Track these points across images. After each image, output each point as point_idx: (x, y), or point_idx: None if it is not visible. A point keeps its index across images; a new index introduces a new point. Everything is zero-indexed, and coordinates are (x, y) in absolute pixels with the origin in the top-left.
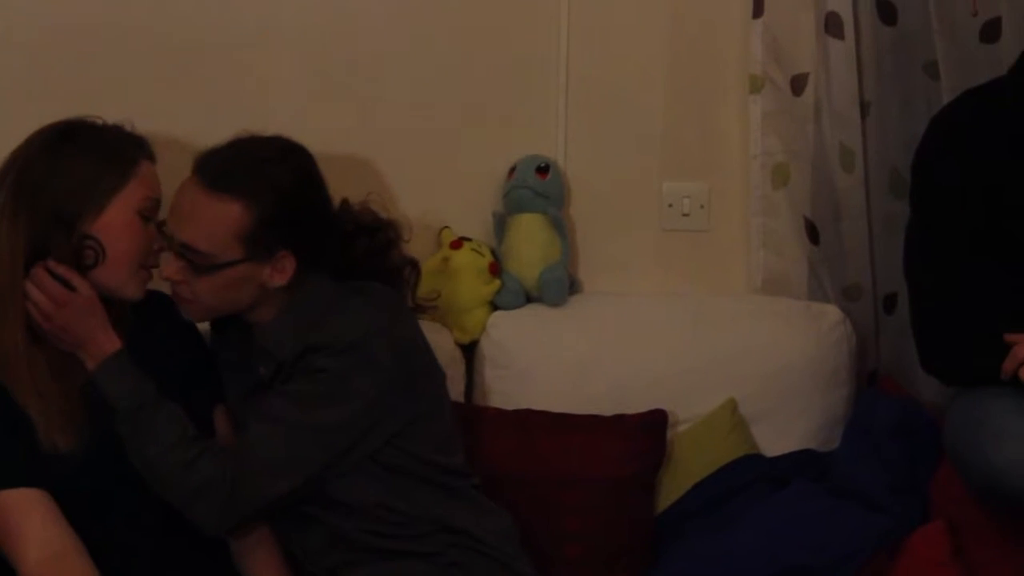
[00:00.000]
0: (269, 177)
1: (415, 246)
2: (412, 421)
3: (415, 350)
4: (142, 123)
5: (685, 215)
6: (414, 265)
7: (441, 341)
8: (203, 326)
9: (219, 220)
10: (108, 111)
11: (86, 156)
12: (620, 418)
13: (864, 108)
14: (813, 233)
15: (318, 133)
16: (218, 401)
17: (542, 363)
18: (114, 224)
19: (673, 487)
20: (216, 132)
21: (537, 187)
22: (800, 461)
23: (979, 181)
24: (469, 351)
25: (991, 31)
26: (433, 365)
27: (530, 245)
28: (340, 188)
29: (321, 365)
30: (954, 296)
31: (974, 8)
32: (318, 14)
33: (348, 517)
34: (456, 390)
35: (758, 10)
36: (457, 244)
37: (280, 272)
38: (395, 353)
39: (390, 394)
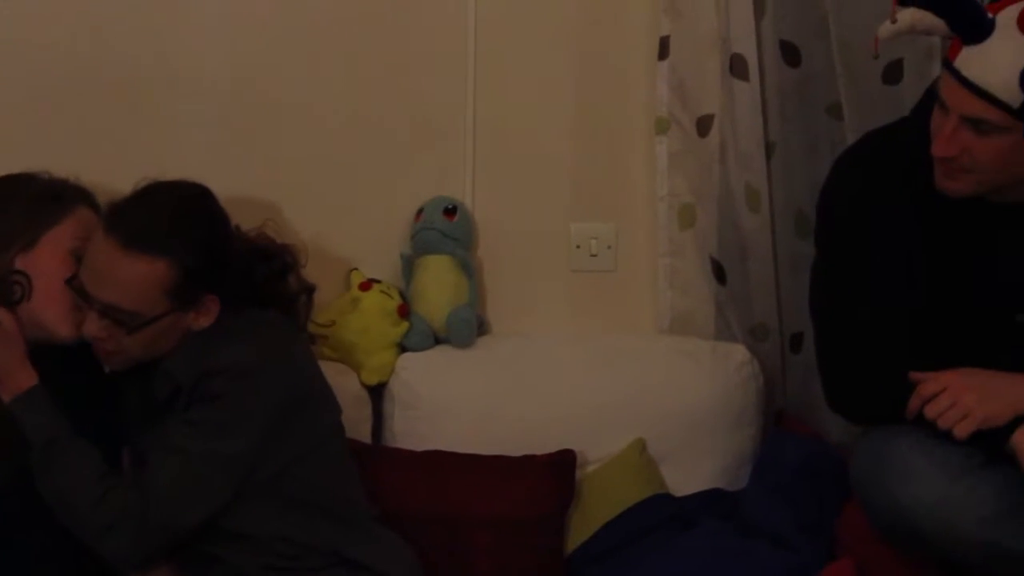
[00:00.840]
0: (187, 229)
1: (325, 289)
2: (308, 449)
3: (310, 379)
4: (46, 165)
5: (593, 256)
6: (310, 292)
7: (346, 382)
8: None
9: (142, 279)
10: (9, 153)
11: (22, 195)
12: (529, 458)
13: (769, 149)
14: (720, 273)
15: (225, 177)
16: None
17: (451, 404)
18: (44, 261)
19: (582, 527)
20: (120, 174)
21: (445, 229)
22: (708, 500)
23: (880, 222)
24: (377, 392)
25: (893, 73)
26: (328, 396)
27: (438, 286)
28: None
29: (217, 391)
30: (859, 335)
31: (875, 50)
32: (224, 57)
33: (247, 552)
34: (363, 431)
35: (663, 52)
36: (366, 286)
37: (205, 314)
38: (290, 380)
39: (284, 422)
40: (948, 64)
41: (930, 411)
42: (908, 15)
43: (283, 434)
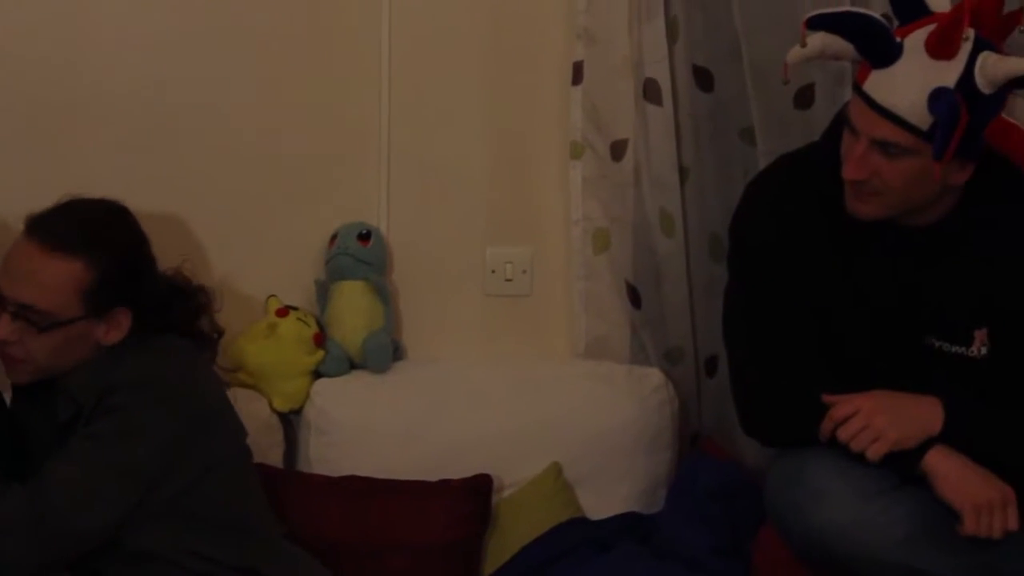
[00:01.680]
0: (106, 235)
1: (239, 314)
2: (211, 468)
3: (212, 397)
4: None
5: (508, 280)
6: (220, 334)
7: (257, 409)
8: None
9: (59, 277)
10: None
11: None
12: (445, 483)
13: (683, 173)
14: (635, 297)
15: (137, 203)
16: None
17: (367, 429)
18: None
19: (498, 552)
20: (28, 202)
21: (359, 254)
22: (624, 524)
23: (792, 245)
24: (291, 419)
25: (805, 97)
26: (231, 416)
27: (353, 312)
28: (164, 256)
29: (118, 403)
30: (771, 358)
31: (785, 76)
32: (134, 84)
33: (158, 572)
34: (274, 457)
35: (577, 77)
36: (283, 312)
37: (116, 329)
38: (191, 396)
39: (186, 435)
40: (857, 88)
41: (843, 434)
42: (818, 39)
43: (185, 450)
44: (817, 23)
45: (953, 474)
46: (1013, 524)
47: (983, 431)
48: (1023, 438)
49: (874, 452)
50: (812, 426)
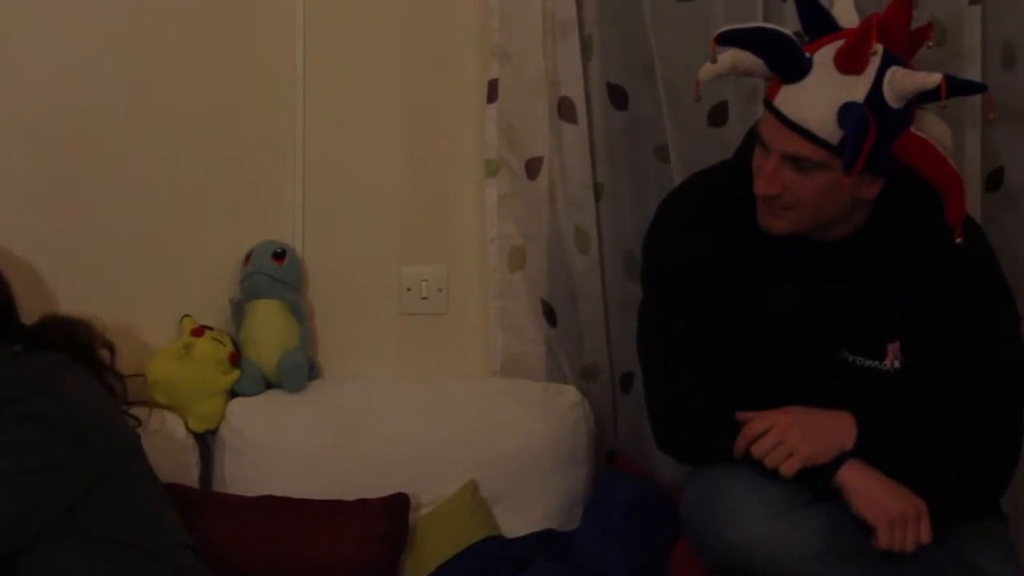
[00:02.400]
0: None
1: (154, 334)
2: (97, 482)
3: (86, 409)
4: None
5: (424, 298)
6: (111, 349)
7: (173, 428)
8: None
9: None
10: None
11: None
12: (362, 502)
13: (598, 191)
14: (550, 315)
15: (53, 221)
16: None
17: (283, 449)
18: None
19: (415, 571)
20: None
21: (274, 273)
22: (541, 541)
23: (706, 262)
24: (209, 438)
25: (718, 114)
26: (113, 428)
27: (268, 331)
28: (76, 277)
29: None
30: (685, 375)
31: (697, 93)
32: (47, 103)
33: None
34: (191, 477)
35: (492, 95)
36: (198, 332)
37: None
38: (60, 408)
39: (58, 448)
40: (768, 103)
41: (757, 450)
42: (728, 56)
43: (61, 465)
44: (727, 39)
45: (866, 489)
46: (926, 537)
47: (895, 445)
48: (934, 452)
49: (788, 468)
50: (726, 443)
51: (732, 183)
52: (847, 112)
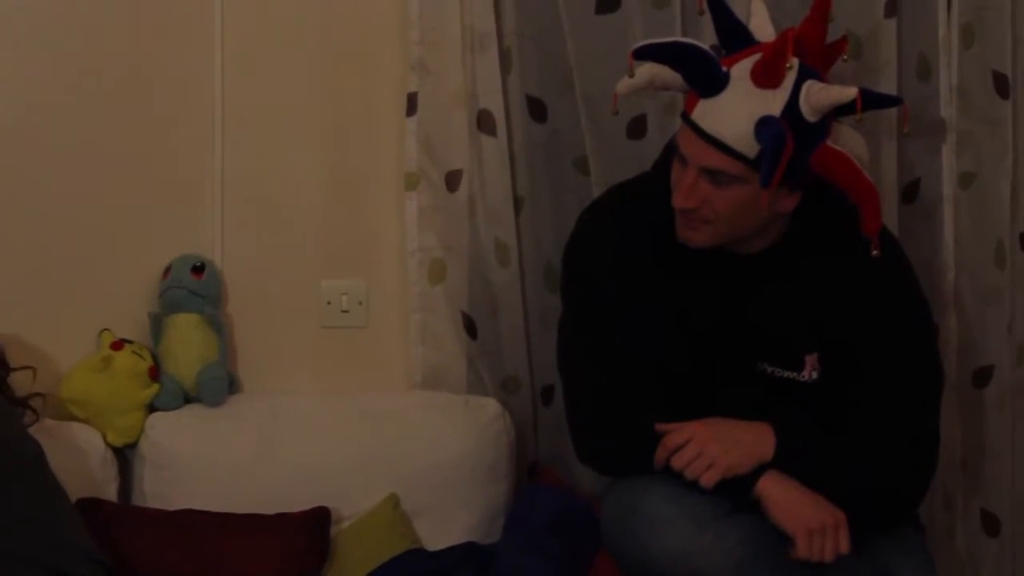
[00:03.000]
0: None
1: (73, 348)
2: None
3: None
4: None
5: (344, 312)
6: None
7: (92, 443)
8: None
9: None
10: None
11: None
12: (282, 516)
13: (518, 203)
14: (471, 327)
15: None
16: None
17: (203, 463)
18: None
19: None
20: None
21: (193, 286)
22: (462, 554)
23: (625, 274)
24: (128, 453)
25: (637, 127)
26: (9, 443)
27: (187, 345)
28: None
29: None
30: (605, 387)
31: (615, 107)
32: None
33: None
34: (110, 491)
35: (411, 108)
36: (117, 346)
37: None
38: None
39: None
40: (686, 117)
41: (677, 462)
42: (646, 70)
43: None
44: (644, 53)
45: (785, 499)
46: (845, 547)
47: (813, 456)
48: (852, 462)
49: (708, 479)
50: (647, 455)
51: (650, 196)
52: (764, 126)
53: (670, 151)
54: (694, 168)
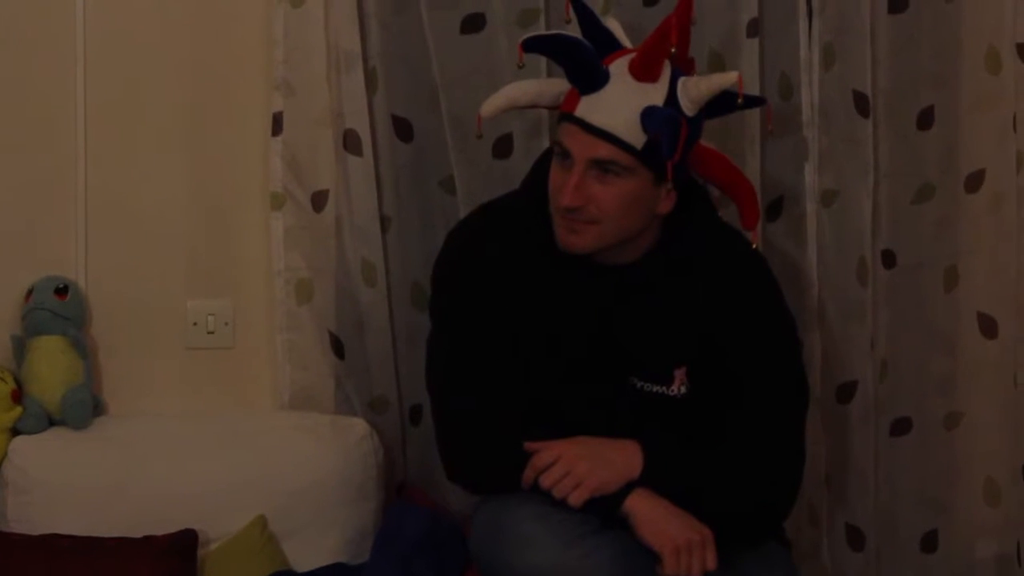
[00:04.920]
0: None
1: None
2: None
3: None
4: None
5: (210, 333)
6: None
7: None
8: None
9: None
10: None
11: None
12: (149, 539)
13: (384, 223)
14: (338, 347)
15: None
16: None
17: (68, 487)
18: None
19: None
20: None
21: (56, 308)
22: (331, 575)
23: (494, 292)
24: None
25: (503, 147)
26: None
27: (51, 368)
28: None
29: None
30: (473, 406)
31: (479, 130)
32: None
33: None
34: None
35: (277, 128)
36: None
37: None
38: None
39: None
40: (569, 116)
41: (545, 481)
42: (507, 91)
43: None
44: (532, 45)
45: (652, 517)
46: (711, 564)
47: (680, 473)
48: (719, 479)
49: (576, 498)
50: (514, 473)
51: (520, 213)
52: (652, 114)
53: (538, 169)
54: (581, 164)
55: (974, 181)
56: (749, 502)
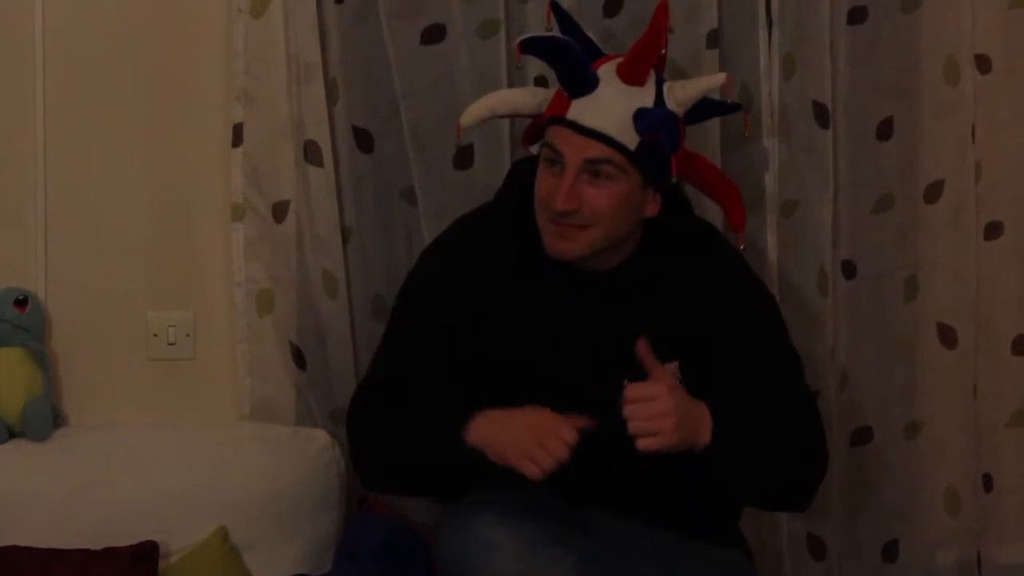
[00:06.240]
0: None
1: None
2: None
3: None
4: None
5: (171, 344)
6: None
7: None
8: None
9: None
10: None
11: None
12: (110, 551)
13: (345, 234)
14: (299, 358)
15: None
16: None
17: (28, 499)
18: None
19: None
20: None
21: (16, 320)
22: None
23: (468, 306)
24: None
25: (464, 158)
26: None
27: (10, 379)
28: None
29: None
30: (370, 417)
31: (458, 137)
32: None
33: None
34: None
35: (237, 139)
36: None
37: None
38: None
39: None
40: (560, 119)
41: (633, 412)
42: (489, 100)
43: None
44: (528, 47)
45: (491, 441)
46: (569, 437)
47: (740, 443)
48: (768, 445)
49: (644, 445)
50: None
51: (500, 223)
52: (645, 115)
53: (514, 178)
54: (574, 167)
55: (934, 191)
56: (798, 466)
